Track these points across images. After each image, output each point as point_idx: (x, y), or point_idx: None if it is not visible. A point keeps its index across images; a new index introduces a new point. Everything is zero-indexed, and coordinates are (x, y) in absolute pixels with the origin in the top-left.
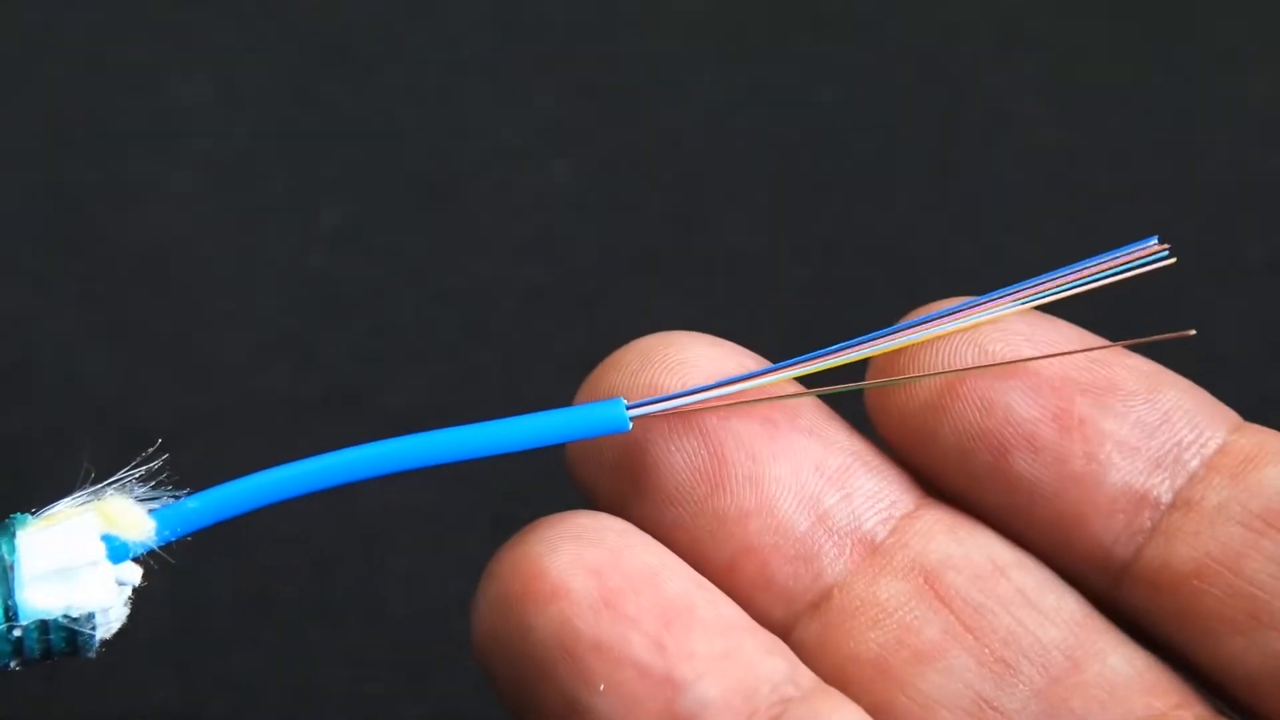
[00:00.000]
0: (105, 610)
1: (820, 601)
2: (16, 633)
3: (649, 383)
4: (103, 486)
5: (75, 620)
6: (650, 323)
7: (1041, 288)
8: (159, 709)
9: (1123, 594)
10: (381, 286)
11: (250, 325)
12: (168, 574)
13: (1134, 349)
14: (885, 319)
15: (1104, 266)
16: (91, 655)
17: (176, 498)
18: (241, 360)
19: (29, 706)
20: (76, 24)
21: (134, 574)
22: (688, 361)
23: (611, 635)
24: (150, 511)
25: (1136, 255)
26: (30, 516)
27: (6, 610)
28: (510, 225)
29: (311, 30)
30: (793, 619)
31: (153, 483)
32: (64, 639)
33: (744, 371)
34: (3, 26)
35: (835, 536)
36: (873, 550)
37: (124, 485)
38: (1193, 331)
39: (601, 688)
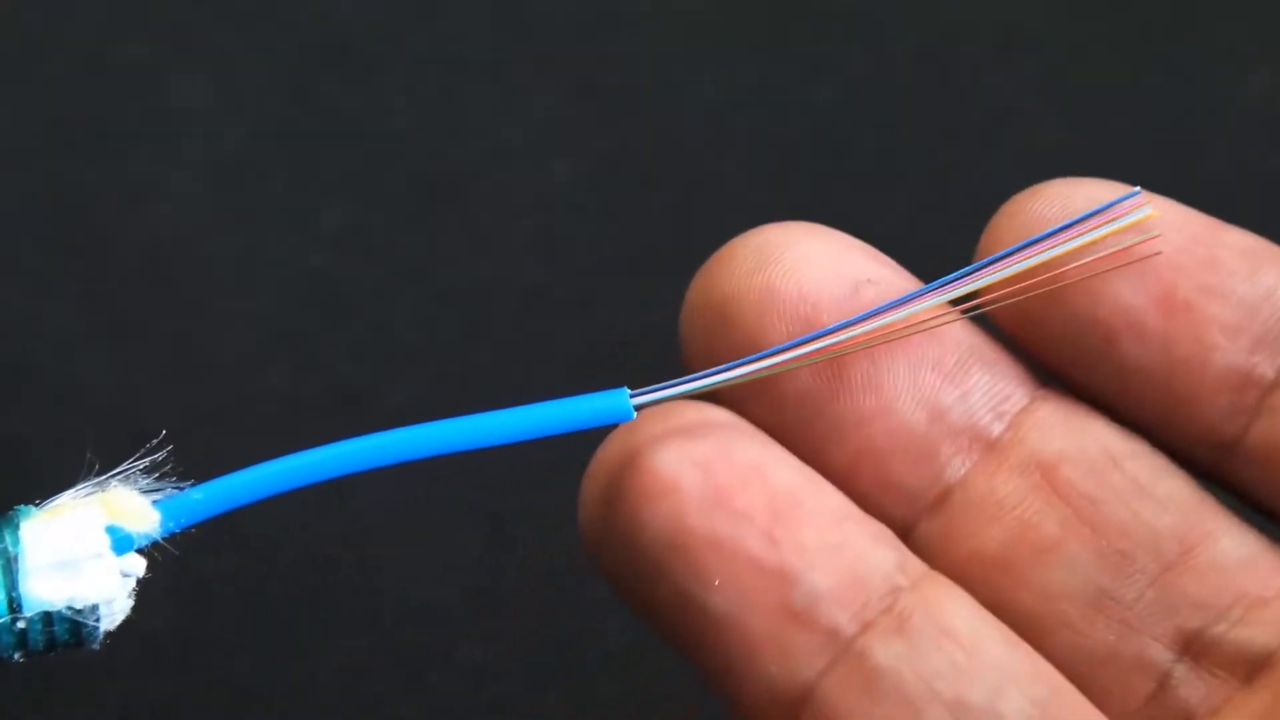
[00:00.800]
0: (109, 602)
1: (940, 500)
2: (20, 624)
3: (764, 284)
4: (106, 478)
5: (79, 612)
6: (650, 322)
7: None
8: (158, 708)
9: (1231, 469)
10: (381, 286)
11: (250, 325)
12: (166, 574)
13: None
14: None
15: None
16: (95, 647)
17: (180, 489)
18: (241, 360)
19: (28, 706)
20: (76, 24)
21: (138, 566)
22: (806, 258)
23: (724, 530)
24: (154, 503)
25: (1120, 213)
26: (34, 508)
27: (10, 602)
28: (510, 225)
29: (311, 30)
30: (914, 518)
31: (156, 474)
32: (68, 630)
33: (865, 274)
34: (3, 26)
35: (953, 434)
36: (990, 447)
37: (128, 477)
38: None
39: (717, 583)
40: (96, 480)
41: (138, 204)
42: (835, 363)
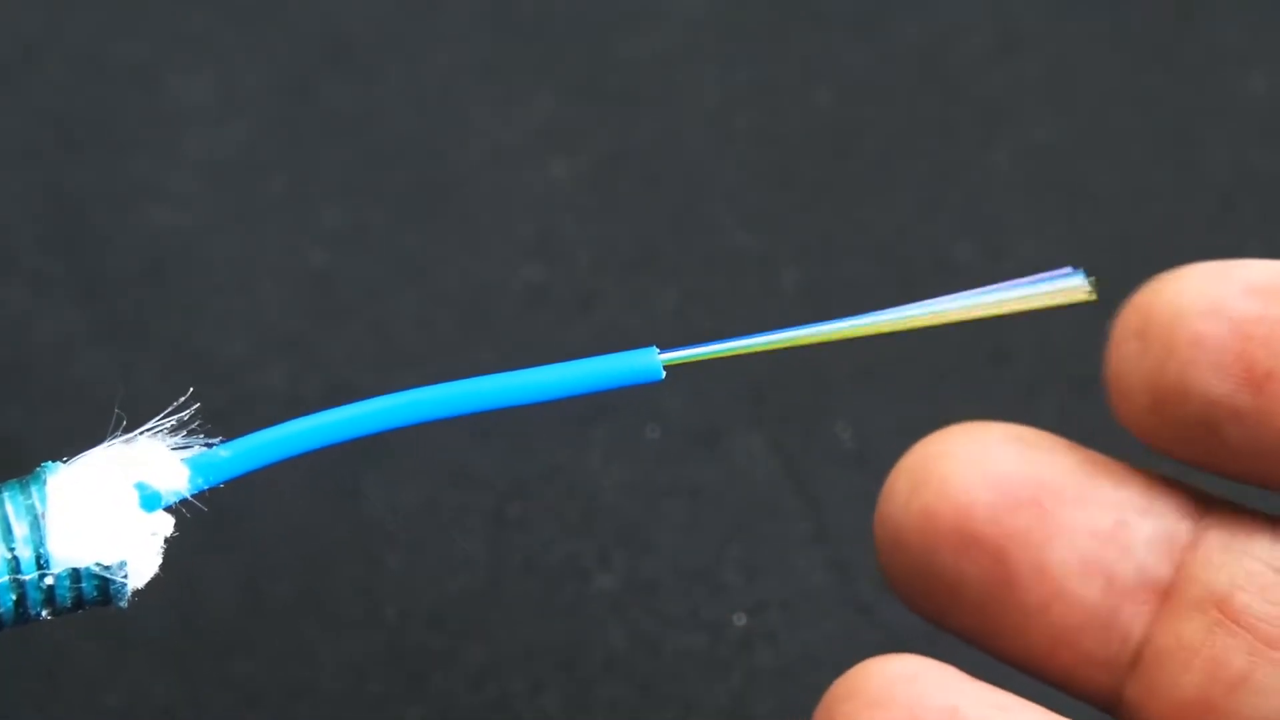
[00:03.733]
0: (137, 559)
1: (1135, 658)
2: (48, 581)
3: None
4: (135, 435)
5: (107, 569)
6: (650, 323)
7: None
8: (158, 709)
9: None
10: (381, 286)
11: (250, 325)
12: (167, 575)
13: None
14: None
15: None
16: (124, 604)
17: (209, 446)
18: (241, 360)
19: (28, 706)
20: (76, 24)
21: (166, 524)
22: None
23: None
24: (182, 460)
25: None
26: (61, 464)
27: (38, 558)
28: (510, 225)
29: (311, 30)
30: (1119, 683)
31: (184, 432)
32: (96, 588)
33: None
34: (3, 26)
35: (1129, 594)
36: (1165, 594)
37: (156, 434)
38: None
39: None
40: (125, 436)
41: (138, 204)
42: (999, 559)
